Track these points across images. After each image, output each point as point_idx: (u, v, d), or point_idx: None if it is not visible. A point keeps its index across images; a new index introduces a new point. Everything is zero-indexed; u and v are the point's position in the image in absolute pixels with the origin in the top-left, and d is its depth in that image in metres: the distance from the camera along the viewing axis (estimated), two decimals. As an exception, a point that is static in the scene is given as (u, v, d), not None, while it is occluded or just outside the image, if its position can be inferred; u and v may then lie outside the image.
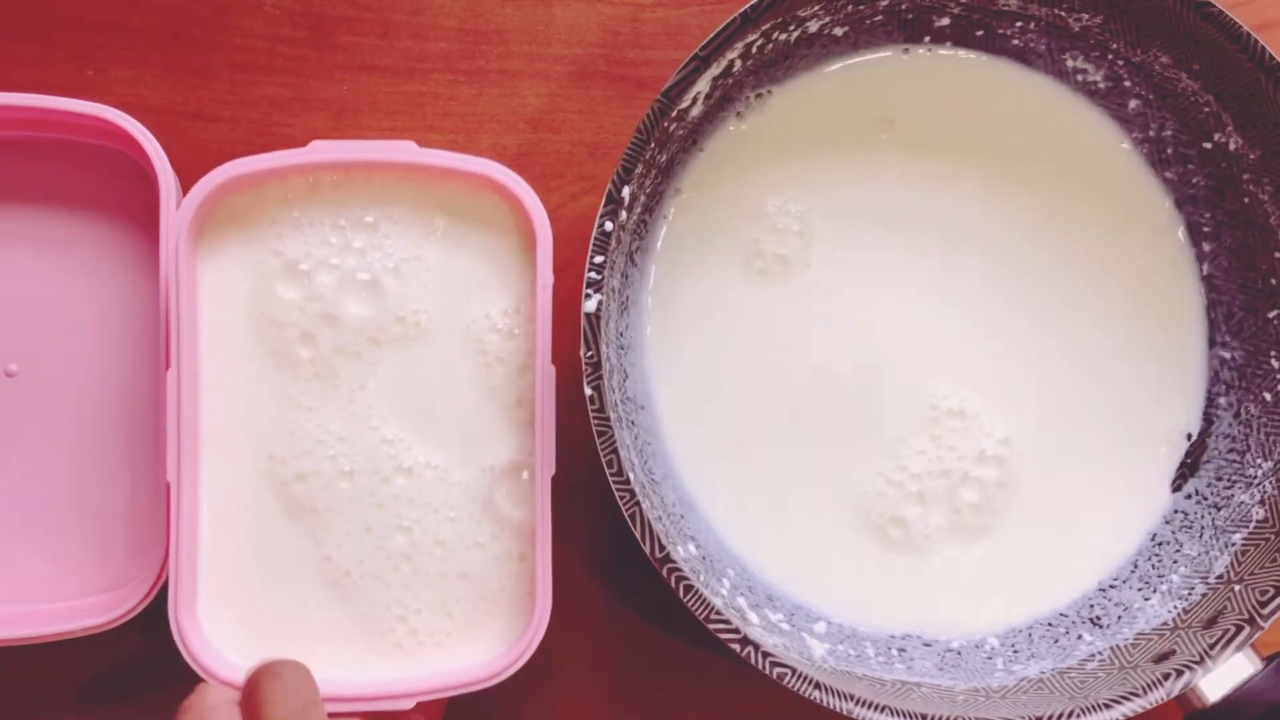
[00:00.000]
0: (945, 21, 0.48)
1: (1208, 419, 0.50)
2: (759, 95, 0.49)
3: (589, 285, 0.43)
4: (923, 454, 0.49)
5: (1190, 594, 0.47)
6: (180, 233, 0.46)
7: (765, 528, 0.49)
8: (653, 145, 0.44)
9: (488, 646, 0.48)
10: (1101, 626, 0.48)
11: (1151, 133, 0.50)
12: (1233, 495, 0.48)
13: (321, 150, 0.47)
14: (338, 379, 0.48)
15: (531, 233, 0.47)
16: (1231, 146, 0.48)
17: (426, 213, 0.49)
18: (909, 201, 0.50)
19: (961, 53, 0.50)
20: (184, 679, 0.44)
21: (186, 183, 0.49)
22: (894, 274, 0.50)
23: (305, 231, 0.48)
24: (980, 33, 0.49)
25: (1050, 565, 0.49)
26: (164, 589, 0.46)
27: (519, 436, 0.48)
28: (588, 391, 0.42)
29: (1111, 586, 0.49)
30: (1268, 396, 0.49)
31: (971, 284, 0.50)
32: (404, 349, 0.48)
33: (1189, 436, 0.50)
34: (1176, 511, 0.50)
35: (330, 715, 0.43)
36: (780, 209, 0.49)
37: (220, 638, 0.47)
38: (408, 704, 0.46)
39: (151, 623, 0.47)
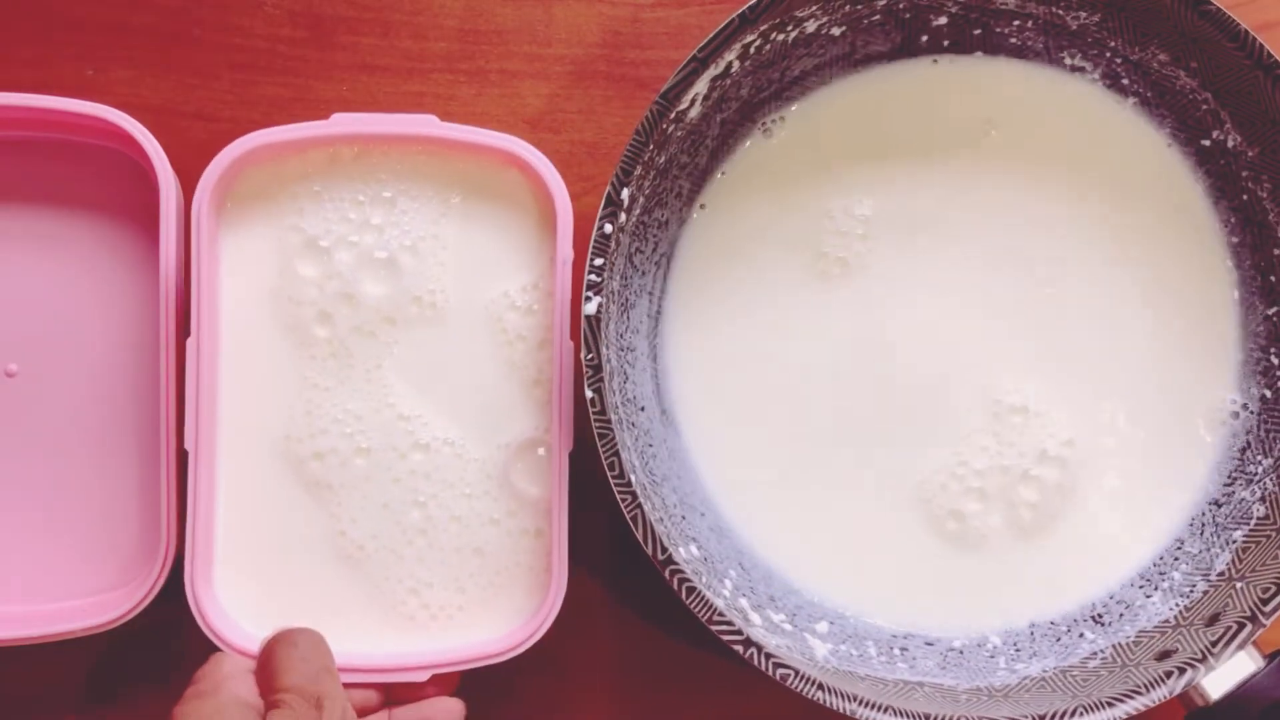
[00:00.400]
0: (943, 20, 0.48)
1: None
2: (781, 118, 0.49)
3: (589, 288, 0.43)
4: (985, 450, 0.49)
5: (1191, 591, 0.47)
6: (202, 203, 0.47)
7: (805, 521, 0.49)
8: (651, 147, 0.44)
9: (502, 621, 0.48)
10: (1103, 624, 0.48)
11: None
12: (1233, 492, 0.48)
13: (343, 122, 0.48)
14: (353, 358, 0.48)
15: (550, 209, 0.48)
16: (1230, 144, 0.48)
17: (445, 189, 0.49)
18: (964, 208, 0.49)
19: (996, 60, 0.50)
20: (183, 677, 0.44)
21: (186, 183, 0.49)
22: (950, 276, 0.49)
23: (325, 207, 0.49)
24: (978, 31, 0.49)
25: (1093, 561, 0.49)
26: (164, 589, 0.47)
27: (536, 413, 0.48)
28: (589, 394, 0.42)
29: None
30: (1268, 394, 0.49)
31: (1028, 285, 0.49)
32: (420, 328, 0.49)
33: (1234, 414, 0.49)
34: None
35: (345, 685, 0.43)
36: (846, 211, 0.49)
37: (235, 607, 0.47)
38: (422, 676, 0.46)
39: (152, 622, 0.47)
